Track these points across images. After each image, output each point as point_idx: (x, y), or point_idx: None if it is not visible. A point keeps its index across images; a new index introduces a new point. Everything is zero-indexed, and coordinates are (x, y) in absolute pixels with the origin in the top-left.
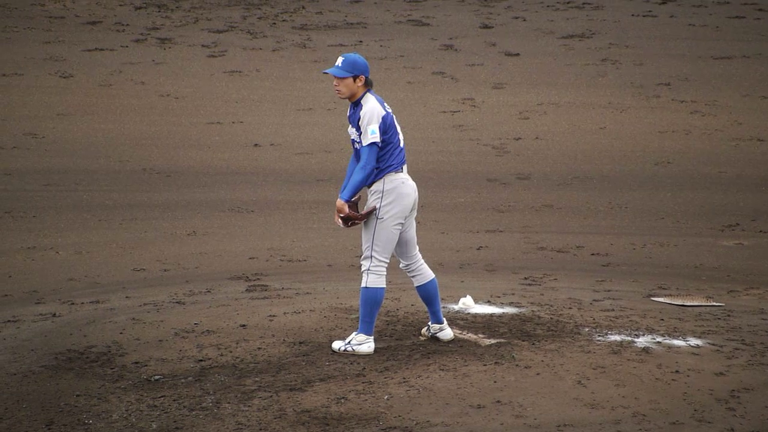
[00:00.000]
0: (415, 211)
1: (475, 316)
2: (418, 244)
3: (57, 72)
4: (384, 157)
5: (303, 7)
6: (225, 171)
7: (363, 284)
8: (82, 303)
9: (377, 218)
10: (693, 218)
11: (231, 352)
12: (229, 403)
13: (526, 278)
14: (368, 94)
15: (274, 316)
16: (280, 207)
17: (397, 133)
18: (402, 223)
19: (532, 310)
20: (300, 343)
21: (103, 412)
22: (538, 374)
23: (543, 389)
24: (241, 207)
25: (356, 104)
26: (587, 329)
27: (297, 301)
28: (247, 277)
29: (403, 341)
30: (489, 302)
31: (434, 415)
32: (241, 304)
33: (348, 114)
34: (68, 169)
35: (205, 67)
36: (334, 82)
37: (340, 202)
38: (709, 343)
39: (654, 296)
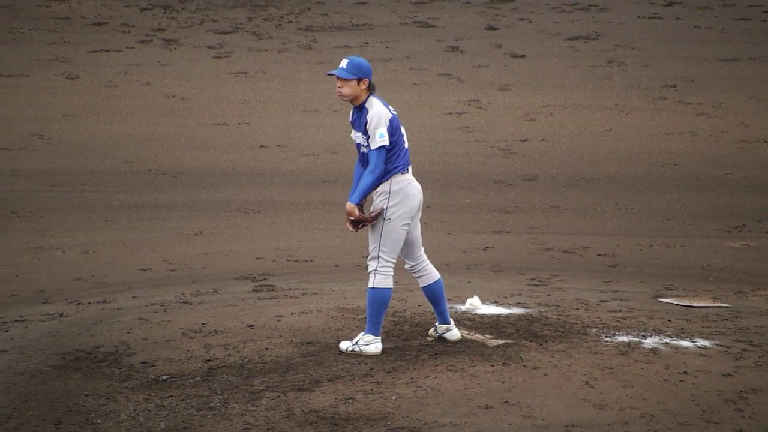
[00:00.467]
0: (420, 211)
1: (483, 316)
2: (424, 244)
3: (63, 73)
4: (390, 159)
5: (308, 9)
6: (231, 172)
7: (370, 285)
8: (89, 303)
9: (384, 219)
10: (700, 219)
11: (239, 352)
12: (237, 403)
13: (532, 279)
14: (372, 98)
15: (281, 316)
16: (287, 207)
17: (402, 135)
18: (408, 224)
19: (540, 311)
20: (307, 343)
21: (111, 411)
22: (545, 375)
23: (551, 390)
24: (248, 207)
25: (360, 108)
26: (595, 330)
27: (304, 302)
28: (254, 278)
29: (411, 342)
30: (496, 303)
31: (442, 416)
32: (248, 304)
33: (351, 119)
34: (74, 169)
35: (210, 69)
36: (338, 84)
37: (350, 205)
38: (716, 344)
39: (661, 297)
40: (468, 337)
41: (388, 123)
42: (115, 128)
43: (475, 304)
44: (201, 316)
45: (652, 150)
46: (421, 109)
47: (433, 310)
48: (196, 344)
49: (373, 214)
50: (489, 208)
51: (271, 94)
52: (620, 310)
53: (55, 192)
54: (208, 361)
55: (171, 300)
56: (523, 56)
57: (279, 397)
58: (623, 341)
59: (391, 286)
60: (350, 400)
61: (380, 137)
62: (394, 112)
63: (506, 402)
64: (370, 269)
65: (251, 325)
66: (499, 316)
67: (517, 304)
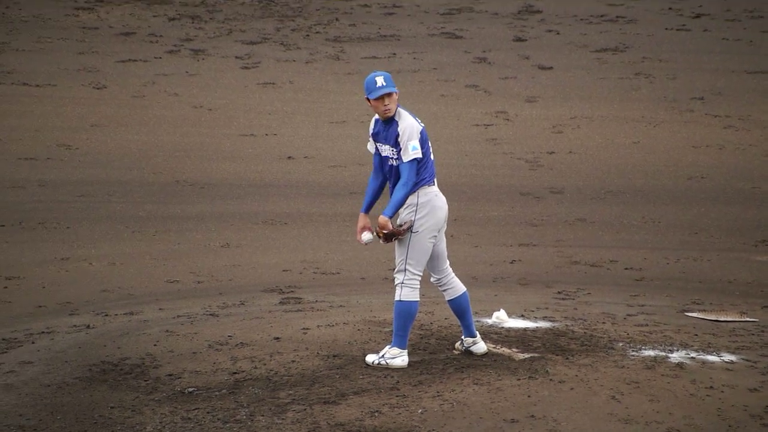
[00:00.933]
0: (446, 224)
1: (509, 330)
2: (450, 257)
3: (90, 83)
4: (418, 171)
5: (337, 19)
6: (258, 183)
7: (397, 297)
8: (116, 314)
9: (412, 231)
10: (726, 233)
11: (265, 364)
12: (263, 416)
13: (559, 292)
14: (401, 110)
15: (307, 328)
16: (314, 219)
17: (429, 147)
18: (436, 236)
19: (566, 325)
20: (334, 356)
21: (137, 424)
22: (572, 389)
23: (577, 404)
24: (275, 219)
25: (388, 121)
26: (621, 344)
27: (330, 314)
28: (281, 290)
29: (437, 355)
30: (522, 316)
31: (468, 430)
32: (274, 316)
33: (373, 131)
34: (102, 180)
35: (238, 79)
36: (386, 101)
37: (384, 218)
38: (743, 359)
39: (688, 311)
40: (494, 350)
41: (420, 135)
42: (143, 138)
43: (502, 318)
44: (227, 328)
45: (679, 163)
46: (448, 121)
47: (459, 323)
48: (223, 357)
49: (404, 227)
50: (516, 221)
51: (299, 105)
52: (647, 324)
53: (82, 203)
54: (235, 373)
55: (198, 312)
56: (551, 68)
57: (305, 410)
58: (649, 355)
59: (418, 299)
60: (376, 414)
61: (413, 150)
62: (422, 125)
63: (532, 416)
64: (396, 282)
65: (278, 338)
66: (525, 329)
67: (544, 318)
